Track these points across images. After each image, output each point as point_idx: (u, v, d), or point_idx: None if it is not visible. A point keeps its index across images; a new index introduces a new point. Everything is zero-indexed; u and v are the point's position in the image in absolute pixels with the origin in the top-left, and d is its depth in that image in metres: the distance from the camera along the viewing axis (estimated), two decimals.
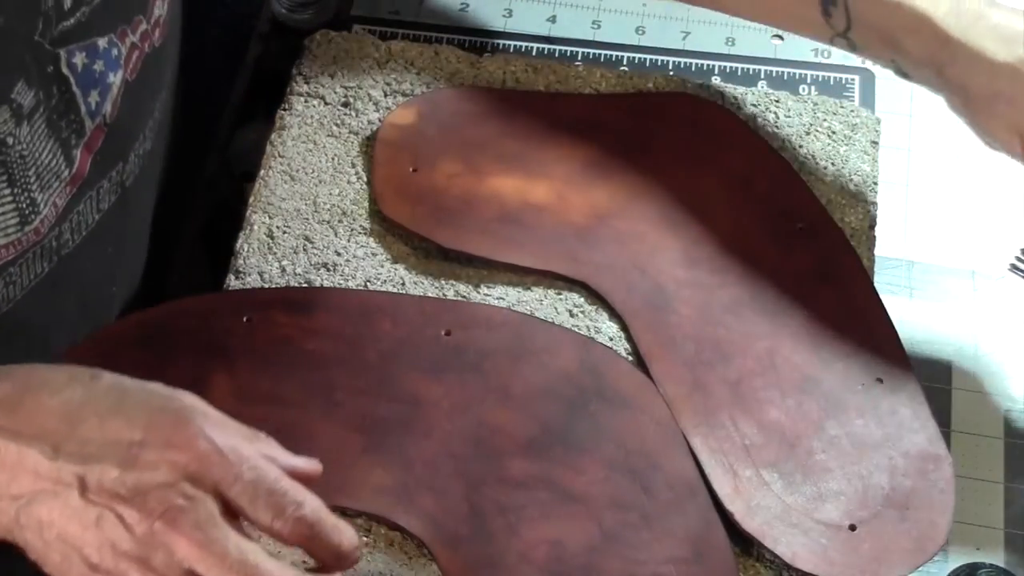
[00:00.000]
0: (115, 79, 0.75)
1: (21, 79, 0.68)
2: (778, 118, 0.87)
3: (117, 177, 0.79)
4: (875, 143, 0.86)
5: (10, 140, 0.68)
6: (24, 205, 0.71)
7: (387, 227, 0.82)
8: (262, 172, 0.85)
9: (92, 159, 0.75)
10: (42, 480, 0.59)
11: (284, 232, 0.82)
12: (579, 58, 0.93)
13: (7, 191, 0.70)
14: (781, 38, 0.95)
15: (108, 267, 0.82)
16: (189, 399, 0.62)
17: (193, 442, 0.59)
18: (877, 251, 0.82)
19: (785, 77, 0.93)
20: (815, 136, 0.86)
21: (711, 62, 0.93)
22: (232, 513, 0.60)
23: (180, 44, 0.85)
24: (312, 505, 0.61)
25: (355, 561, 0.62)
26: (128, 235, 0.84)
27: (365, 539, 0.71)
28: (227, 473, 0.59)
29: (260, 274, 0.80)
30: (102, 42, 0.73)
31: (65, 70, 0.71)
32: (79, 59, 0.71)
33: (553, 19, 0.96)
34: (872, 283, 0.79)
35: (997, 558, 0.73)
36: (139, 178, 0.82)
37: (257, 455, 0.61)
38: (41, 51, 0.69)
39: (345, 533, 0.61)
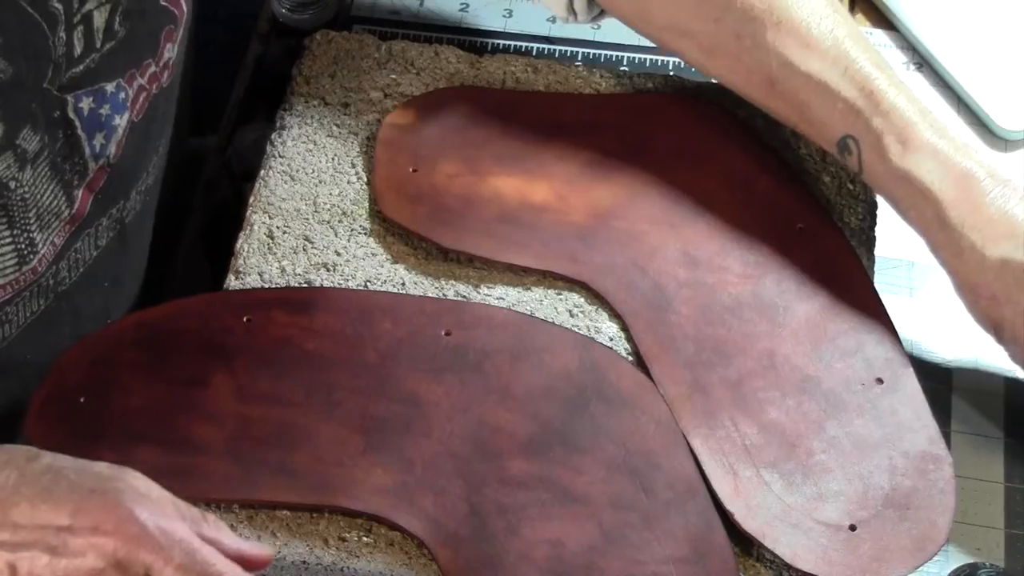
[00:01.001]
0: (121, 121, 0.75)
1: (27, 126, 0.68)
2: None
3: (117, 214, 0.79)
4: None
5: (12, 184, 0.68)
6: (23, 246, 0.71)
7: (387, 227, 0.82)
8: (262, 172, 0.85)
9: (93, 198, 0.75)
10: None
11: (284, 232, 0.82)
12: (579, 58, 0.93)
13: (6, 232, 0.70)
14: None
15: (103, 302, 0.82)
16: (130, 479, 0.61)
17: (122, 526, 0.59)
18: (877, 251, 0.82)
19: None
20: None
21: None
22: None
23: (186, 78, 0.84)
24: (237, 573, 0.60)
25: None
26: (125, 270, 0.84)
27: (365, 539, 0.71)
28: (157, 556, 0.59)
29: (260, 274, 0.80)
30: (110, 87, 0.72)
31: (71, 115, 0.71)
32: (86, 104, 0.71)
33: (553, 19, 0.96)
34: (872, 283, 0.79)
35: (997, 558, 0.73)
36: (138, 214, 0.82)
37: (192, 537, 0.60)
38: (49, 97, 0.68)
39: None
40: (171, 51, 0.78)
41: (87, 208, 0.75)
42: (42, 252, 0.73)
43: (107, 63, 0.71)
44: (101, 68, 0.71)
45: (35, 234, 0.72)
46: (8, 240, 0.70)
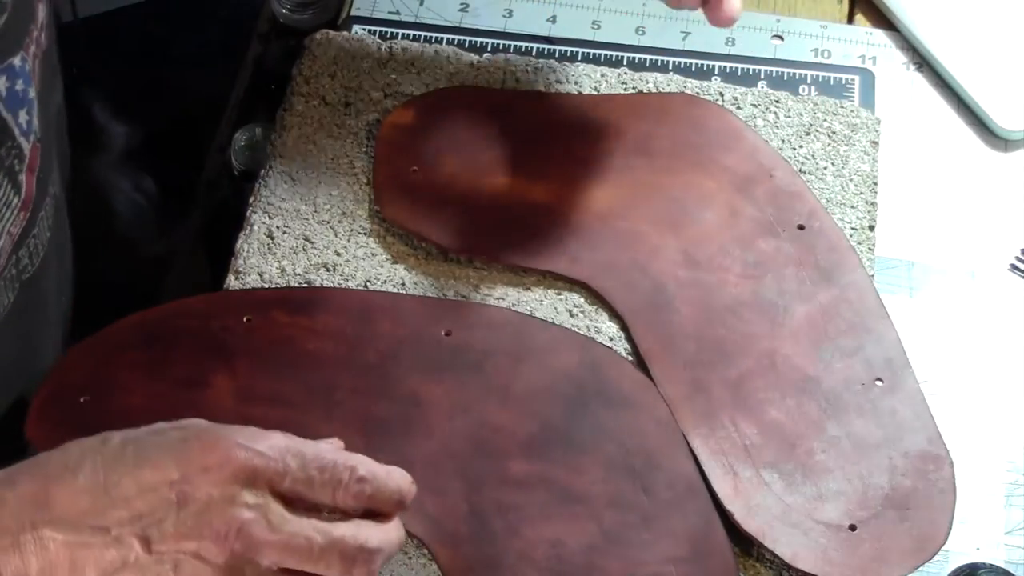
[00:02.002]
0: (32, 93, 0.72)
1: None
2: (778, 118, 0.87)
3: (52, 189, 0.78)
4: (875, 143, 0.86)
5: None
6: None
7: (387, 227, 0.82)
8: (262, 172, 0.85)
9: (36, 179, 0.74)
10: (104, 557, 0.57)
11: (284, 232, 0.82)
12: (579, 58, 0.93)
13: None
14: (781, 38, 0.95)
15: (60, 278, 0.81)
16: (201, 422, 0.61)
17: (229, 455, 0.58)
18: (877, 251, 0.82)
19: (785, 77, 0.93)
20: (815, 136, 0.86)
21: (711, 62, 0.93)
22: (293, 504, 0.59)
23: (49, 34, 0.81)
24: (361, 462, 0.61)
25: (412, 496, 0.62)
26: (67, 241, 0.83)
27: None
28: (274, 470, 0.59)
29: (260, 274, 0.80)
30: (16, 60, 0.70)
31: None
32: (1, 84, 0.69)
33: (553, 19, 0.96)
34: (872, 283, 0.79)
35: (997, 558, 0.73)
36: (60, 185, 0.81)
37: (292, 440, 0.60)
38: None
39: (397, 475, 0.62)
40: (42, 11, 0.75)
41: (33, 191, 0.73)
42: (1, 243, 0.71)
43: (6, 37, 0.69)
44: (4, 44, 0.69)
45: None
46: None
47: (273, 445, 0.59)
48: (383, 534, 0.61)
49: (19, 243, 0.74)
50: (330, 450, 0.61)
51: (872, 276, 0.80)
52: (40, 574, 0.57)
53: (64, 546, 0.57)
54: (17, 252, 0.74)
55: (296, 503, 0.59)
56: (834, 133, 0.86)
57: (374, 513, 0.61)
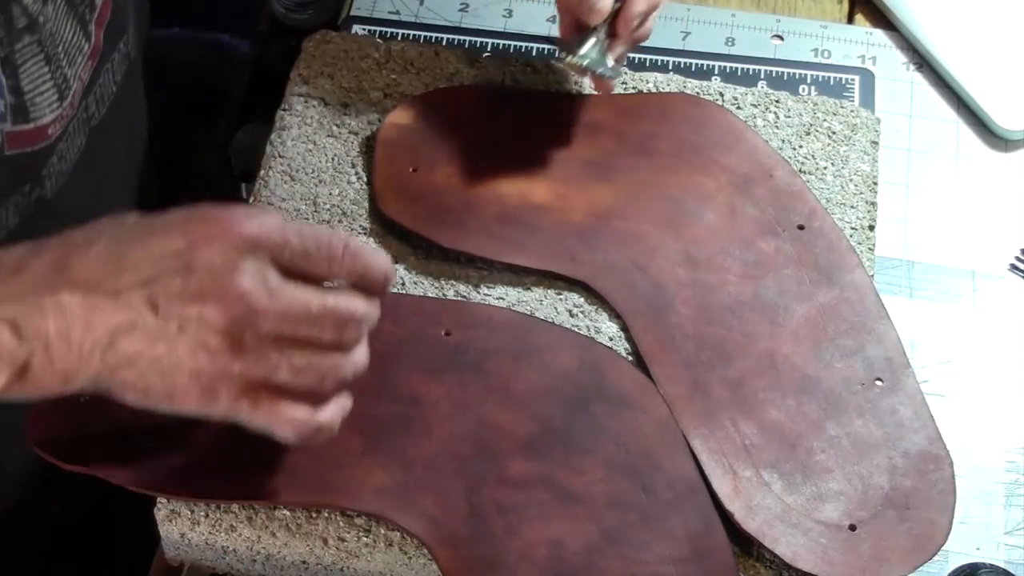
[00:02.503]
0: None
1: None
2: (778, 118, 0.87)
3: (124, 49, 0.83)
4: (875, 143, 0.86)
5: (41, 19, 0.71)
6: (59, 81, 0.74)
7: (387, 227, 0.82)
8: (262, 172, 0.85)
9: (105, 33, 0.79)
10: (114, 318, 0.61)
11: None
12: None
13: (45, 69, 0.72)
14: (781, 38, 0.95)
15: (130, 139, 0.88)
16: (205, 205, 0.64)
17: (233, 226, 0.62)
18: (877, 251, 0.82)
19: (785, 77, 0.93)
20: (815, 136, 0.86)
21: (711, 62, 0.93)
22: (290, 275, 0.63)
23: None
24: (352, 239, 0.65)
25: (394, 278, 0.67)
26: (139, 106, 0.90)
27: (365, 539, 0.71)
28: (275, 241, 0.62)
29: None
30: None
31: None
32: None
33: (553, 19, 0.96)
34: (872, 283, 0.79)
35: (997, 558, 0.73)
36: (136, 48, 0.86)
37: (283, 219, 0.64)
38: None
39: (382, 257, 0.66)
40: None
41: (101, 42, 0.79)
42: (74, 87, 0.76)
43: None
44: None
45: (67, 70, 0.75)
46: (48, 77, 0.73)
47: (274, 219, 0.63)
48: (369, 306, 0.65)
49: (88, 89, 0.79)
50: (322, 228, 0.65)
51: (872, 276, 0.80)
52: (57, 333, 0.61)
53: (80, 307, 0.61)
54: (86, 98, 0.79)
55: (293, 275, 0.63)
56: (834, 133, 0.86)
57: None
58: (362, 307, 0.65)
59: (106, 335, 0.62)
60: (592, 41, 0.78)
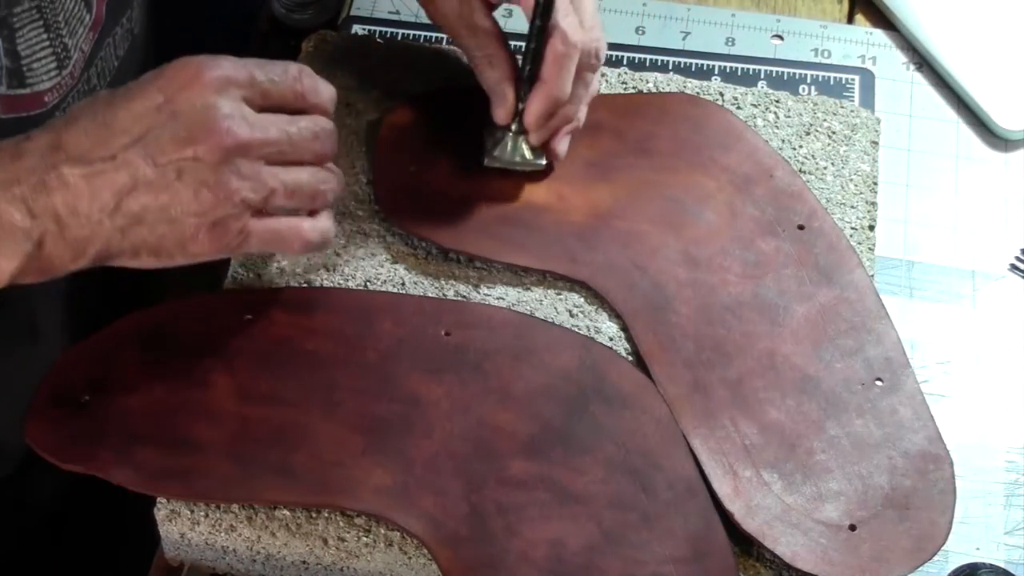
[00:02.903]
0: None
1: None
2: (778, 118, 0.87)
3: (128, 24, 0.84)
4: (875, 143, 0.86)
5: None
6: (59, 50, 0.75)
7: (387, 227, 0.82)
8: None
9: (107, 5, 0.79)
10: (116, 180, 0.65)
11: None
12: None
13: (44, 36, 0.73)
14: (781, 38, 0.95)
15: None
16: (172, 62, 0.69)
17: (203, 72, 0.67)
18: (877, 251, 0.82)
19: (785, 77, 0.93)
20: (815, 136, 0.86)
21: (711, 62, 0.93)
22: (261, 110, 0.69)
23: None
24: (301, 67, 0.72)
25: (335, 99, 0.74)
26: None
27: (365, 539, 0.71)
28: (243, 79, 0.68)
29: (260, 274, 0.80)
30: None
31: None
32: None
33: None
34: (872, 283, 0.79)
35: (997, 558, 0.73)
36: (143, 27, 0.87)
37: (244, 59, 0.70)
38: None
39: (324, 83, 0.73)
40: None
41: (103, 15, 0.80)
42: (75, 58, 0.77)
43: None
44: None
45: (67, 39, 0.76)
46: (47, 44, 0.74)
47: (234, 61, 0.69)
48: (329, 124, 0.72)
49: (89, 61, 0.80)
50: (279, 62, 0.71)
51: (872, 276, 0.80)
52: (65, 205, 0.65)
53: (81, 178, 0.65)
54: (88, 70, 0.80)
55: (265, 109, 0.69)
56: (834, 133, 0.86)
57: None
58: (329, 123, 0.72)
59: (112, 198, 0.65)
60: (504, 141, 0.81)
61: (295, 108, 0.71)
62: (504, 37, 0.80)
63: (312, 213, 0.72)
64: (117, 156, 0.66)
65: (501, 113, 0.79)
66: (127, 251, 0.67)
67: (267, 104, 0.70)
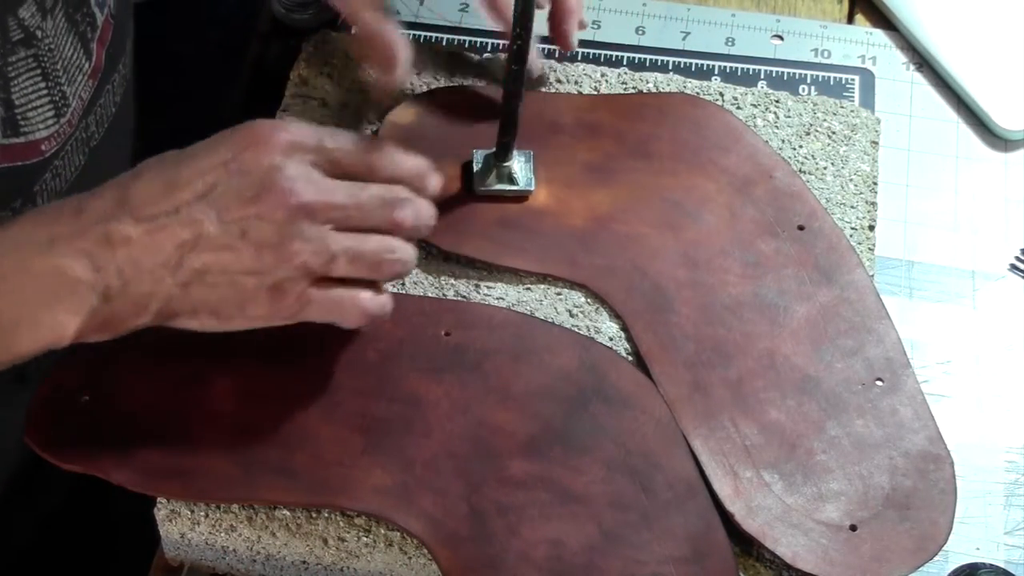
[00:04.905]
0: None
1: None
2: (778, 118, 0.87)
3: (123, 70, 0.83)
4: (875, 143, 0.86)
5: (39, 34, 0.71)
6: (57, 98, 0.74)
7: None
8: None
9: (106, 52, 0.79)
10: (179, 235, 0.65)
11: None
12: (579, 58, 0.93)
13: (42, 84, 0.73)
14: (781, 38, 0.95)
15: (129, 158, 0.87)
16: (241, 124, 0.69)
17: (273, 133, 0.67)
18: (877, 251, 0.82)
19: (785, 77, 0.93)
20: (815, 136, 0.86)
21: (711, 62, 0.94)
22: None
23: None
24: (381, 140, 0.73)
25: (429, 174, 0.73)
26: (139, 128, 0.89)
27: (365, 539, 0.71)
28: (312, 143, 0.68)
29: None
30: None
31: None
32: None
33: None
34: (872, 283, 0.79)
35: (997, 558, 0.73)
36: (132, 69, 0.86)
37: (319, 126, 0.70)
38: None
39: (414, 157, 0.72)
40: None
41: (103, 63, 0.79)
42: (73, 106, 0.76)
43: None
44: None
45: (65, 88, 0.75)
46: (44, 92, 0.73)
47: (305, 126, 0.69)
48: (413, 195, 0.71)
49: (88, 109, 0.79)
50: (351, 132, 0.71)
51: (872, 276, 0.80)
52: (128, 260, 0.65)
53: (144, 232, 0.65)
54: (86, 118, 0.79)
55: (335, 176, 0.68)
56: (834, 133, 0.86)
57: None
58: (405, 192, 0.70)
59: (174, 254, 0.65)
60: (490, 169, 0.82)
61: (363, 178, 0.70)
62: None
63: (374, 282, 0.70)
64: (180, 211, 0.65)
65: (392, 80, 0.81)
66: (188, 310, 0.67)
67: (336, 172, 0.68)
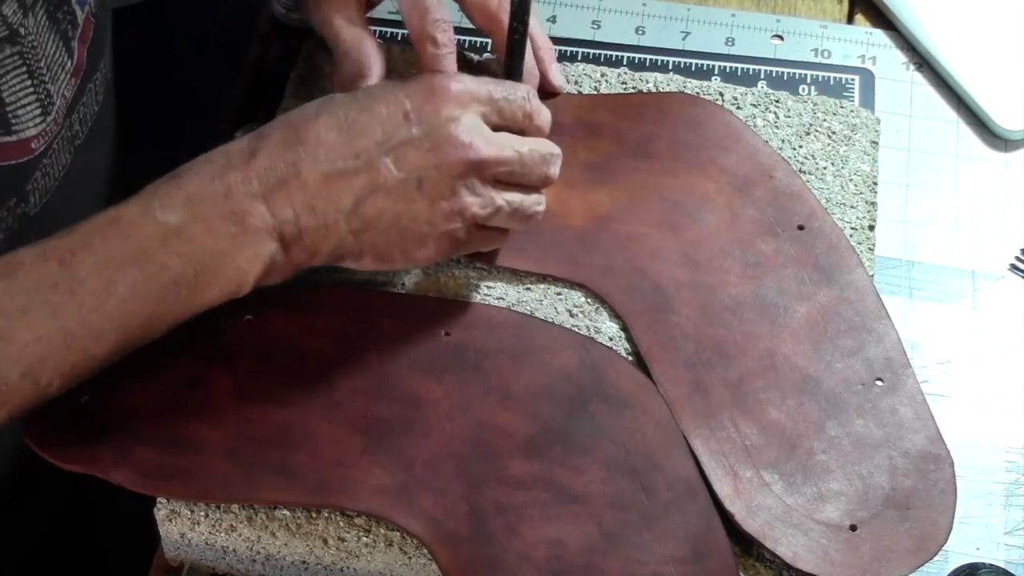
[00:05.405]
0: None
1: None
2: (778, 118, 0.87)
3: (104, 69, 0.83)
4: (875, 143, 0.86)
5: (22, 31, 0.71)
6: (43, 96, 0.74)
7: None
8: None
9: (87, 51, 0.78)
10: (357, 182, 0.67)
11: None
12: (579, 58, 0.93)
13: (28, 83, 0.72)
14: (781, 38, 0.95)
15: (114, 159, 0.87)
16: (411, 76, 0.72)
17: (448, 85, 0.70)
18: (877, 251, 0.82)
19: (785, 77, 0.93)
20: (815, 136, 0.86)
21: (711, 62, 0.93)
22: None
23: None
24: (529, 89, 0.75)
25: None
26: (122, 127, 0.89)
27: (365, 539, 0.71)
28: (483, 93, 0.71)
29: None
30: None
31: None
32: None
33: (553, 19, 0.96)
34: (872, 283, 0.79)
35: (997, 558, 0.73)
36: (112, 69, 0.86)
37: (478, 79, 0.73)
38: None
39: (544, 107, 0.76)
40: None
41: (84, 61, 0.78)
42: (57, 104, 0.76)
43: None
44: None
45: (50, 86, 0.75)
46: (31, 90, 0.73)
47: (474, 78, 0.72)
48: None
49: (71, 108, 0.79)
50: (508, 81, 0.74)
51: (872, 276, 0.80)
52: (304, 205, 0.66)
53: (322, 177, 0.66)
54: (70, 117, 0.79)
55: (498, 128, 0.72)
56: (834, 133, 0.86)
57: None
58: (555, 148, 0.74)
59: (350, 200, 0.67)
60: None
61: (522, 128, 0.73)
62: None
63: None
64: (360, 157, 0.67)
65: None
66: (355, 253, 0.69)
67: (501, 123, 0.72)
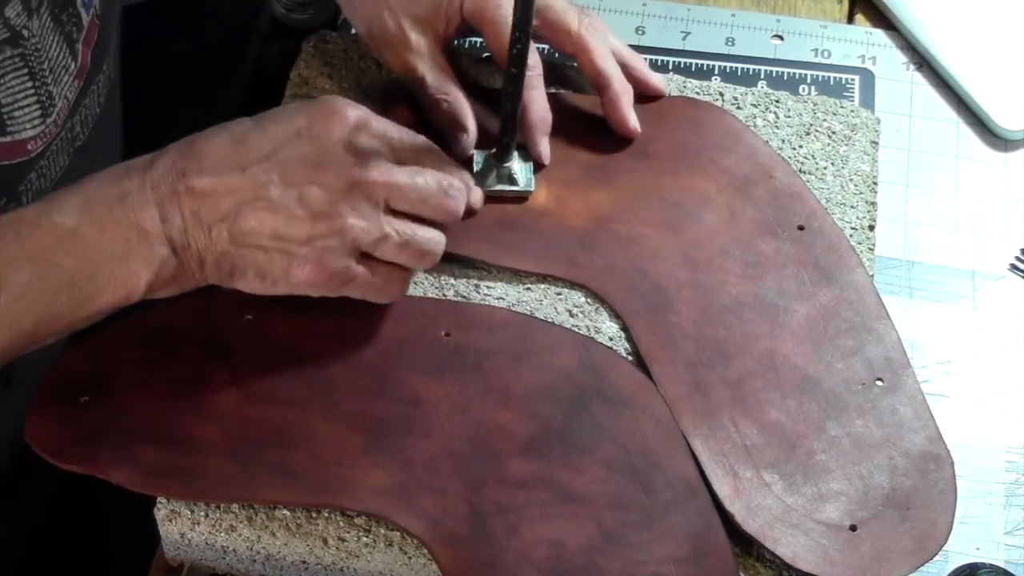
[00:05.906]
0: None
1: None
2: (778, 118, 0.87)
3: (107, 71, 0.83)
4: (875, 143, 0.86)
5: (25, 33, 0.71)
6: (43, 98, 0.75)
7: None
8: None
9: (91, 53, 0.79)
10: (240, 192, 0.67)
11: None
12: None
13: (28, 84, 0.73)
14: (781, 38, 0.95)
15: (113, 156, 0.87)
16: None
17: (347, 110, 0.69)
18: (877, 251, 0.82)
19: (785, 77, 0.93)
20: (815, 136, 0.86)
21: (711, 62, 0.94)
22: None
23: None
24: (427, 140, 0.75)
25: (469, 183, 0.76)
26: (123, 127, 0.89)
27: (365, 539, 0.71)
28: (378, 127, 0.70)
29: None
30: None
31: None
32: None
33: None
34: (872, 283, 0.79)
35: (997, 558, 0.73)
36: (116, 71, 0.86)
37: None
38: None
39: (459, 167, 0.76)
40: None
41: (88, 62, 0.79)
42: (59, 106, 0.76)
43: None
44: None
45: (52, 87, 0.75)
46: (31, 91, 0.74)
47: (371, 112, 0.71)
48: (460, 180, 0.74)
49: (73, 109, 0.79)
50: (410, 131, 0.74)
51: (872, 276, 0.80)
52: (191, 213, 0.67)
53: (208, 186, 0.67)
54: (72, 118, 0.79)
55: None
56: (834, 133, 0.86)
57: None
58: (458, 181, 0.72)
59: (232, 208, 0.67)
60: (491, 169, 0.81)
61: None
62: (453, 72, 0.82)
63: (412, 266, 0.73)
64: (246, 169, 0.67)
65: (459, 149, 0.80)
66: (240, 267, 0.68)
67: (393, 160, 0.71)
